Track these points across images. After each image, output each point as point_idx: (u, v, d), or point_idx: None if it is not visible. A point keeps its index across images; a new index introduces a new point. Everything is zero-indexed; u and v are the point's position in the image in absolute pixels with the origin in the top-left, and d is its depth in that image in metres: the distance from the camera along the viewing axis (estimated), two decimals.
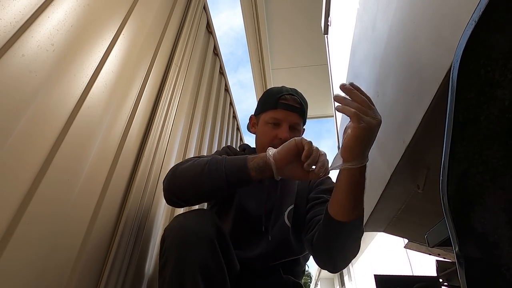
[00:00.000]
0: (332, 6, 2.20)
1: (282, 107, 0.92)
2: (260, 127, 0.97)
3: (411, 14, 0.79)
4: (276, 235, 0.88)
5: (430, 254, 1.60)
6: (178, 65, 1.29)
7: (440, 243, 0.94)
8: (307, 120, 1.04)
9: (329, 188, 0.90)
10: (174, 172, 0.78)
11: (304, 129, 1.02)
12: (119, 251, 0.84)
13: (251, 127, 1.04)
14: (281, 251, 0.87)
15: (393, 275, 1.35)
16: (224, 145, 1.57)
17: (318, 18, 2.60)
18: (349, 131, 0.62)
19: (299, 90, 1.02)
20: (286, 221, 0.90)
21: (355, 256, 0.76)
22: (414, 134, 0.79)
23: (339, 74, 2.00)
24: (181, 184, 0.76)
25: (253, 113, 1.05)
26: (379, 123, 0.63)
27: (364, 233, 0.78)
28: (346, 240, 0.72)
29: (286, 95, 0.93)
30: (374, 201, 1.11)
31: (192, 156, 1.45)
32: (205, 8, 1.72)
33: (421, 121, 0.74)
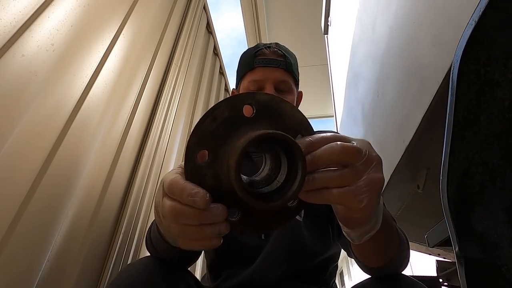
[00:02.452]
0: (332, 6, 2.20)
1: (260, 64, 0.71)
2: None
3: (411, 15, 0.79)
4: (280, 237, 0.63)
5: (430, 254, 1.60)
6: (178, 65, 1.29)
7: (440, 243, 0.94)
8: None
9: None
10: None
11: (300, 92, 0.80)
12: (118, 253, 0.84)
13: None
14: (291, 256, 0.61)
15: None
16: None
17: (318, 18, 2.60)
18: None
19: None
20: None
21: (405, 265, 0.57)
22: (414, 134, 0.79)
23: (339, 74, 2.00)
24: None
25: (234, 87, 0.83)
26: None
27: None
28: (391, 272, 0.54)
29: (263, 49, 0.73)
30: None
31: None
32: (205, 8, 1.72)
33: (421, 121, 0.74)
